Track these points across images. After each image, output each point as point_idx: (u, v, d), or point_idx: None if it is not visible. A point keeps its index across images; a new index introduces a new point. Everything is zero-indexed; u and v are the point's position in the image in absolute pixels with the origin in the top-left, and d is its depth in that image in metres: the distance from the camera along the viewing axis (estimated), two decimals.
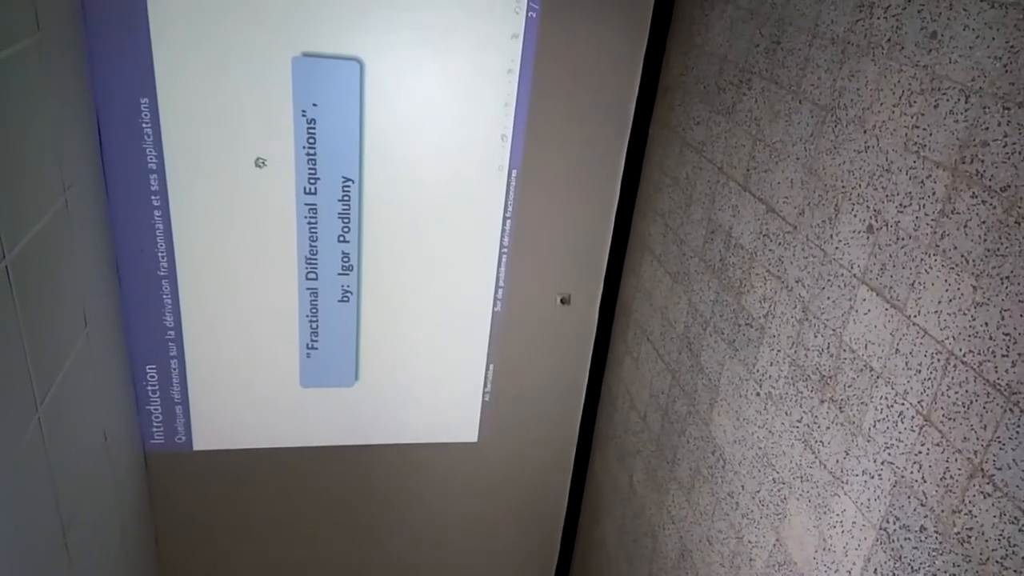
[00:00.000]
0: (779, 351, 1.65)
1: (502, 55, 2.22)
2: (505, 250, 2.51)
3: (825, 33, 1.50)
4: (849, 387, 1.41)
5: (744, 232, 1.81)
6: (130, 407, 2.43)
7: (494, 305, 2.60)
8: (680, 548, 2.15)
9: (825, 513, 1.48)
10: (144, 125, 2.11)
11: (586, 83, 2.30)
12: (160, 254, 2.28)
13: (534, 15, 2.18)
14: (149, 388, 2.48)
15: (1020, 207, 1.05)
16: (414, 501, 2.91)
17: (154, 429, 2.55)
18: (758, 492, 1.74)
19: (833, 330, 1.46)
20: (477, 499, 2.95)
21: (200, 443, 2.62)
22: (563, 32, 2.21)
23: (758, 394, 1.74)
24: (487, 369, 2.71)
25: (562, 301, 2.64)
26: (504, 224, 2.47)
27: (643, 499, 2.42)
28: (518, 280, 2.56)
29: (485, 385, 2.74)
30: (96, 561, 1.99)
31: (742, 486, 1.81)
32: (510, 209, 2.44)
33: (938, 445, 1.19)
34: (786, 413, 1.62)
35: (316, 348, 2.53)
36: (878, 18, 1.34)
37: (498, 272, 2.54)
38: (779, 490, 1.65)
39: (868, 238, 1.36)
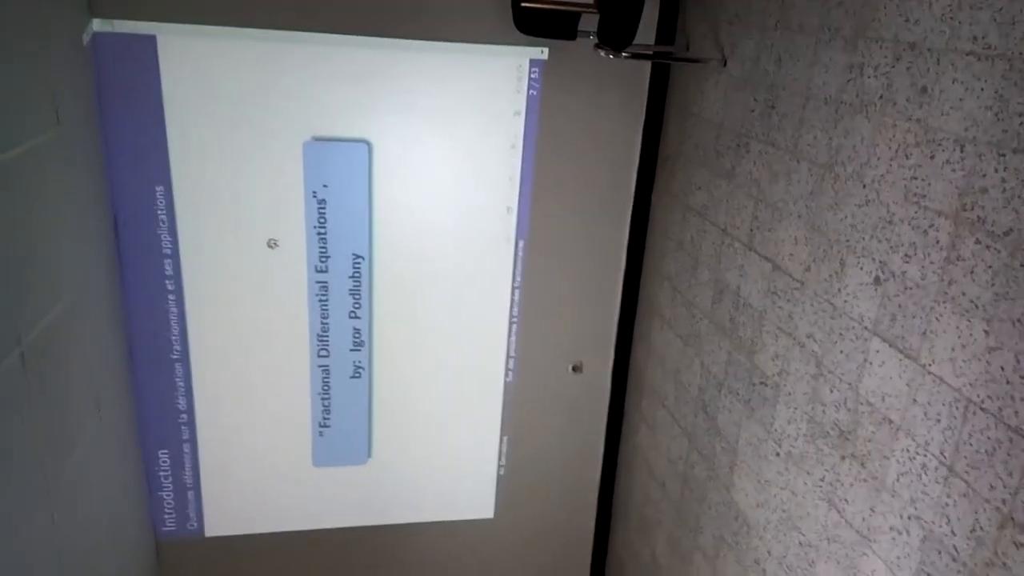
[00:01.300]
0: (796, 408, 1.63)
1: (505, 131, 2.29)
2: (515, 320, 2.52)
3: (818, 95, 1.54)
4: (869, 441, 1.39)
5: (752, 291, 1.82)
6: (142, 493, 2.40)
7: (506, 376, 2.59)
8: None
9: (855, 574, 1.43)
10: (159, 212, 2.16)
11: (588, 155, 2.36)
12: (173, 337, 2.30)
13: (535, 93, 2.26)
14: (161, 473, 2.46)
15: None
16: None
17: (166, 516, 2.51)
18: (784, 557, 1.69)
19: (849, 384, 1.45)
20: None
21: (212, 529, 2.57)
22: (564, 108, 2.28)
23: (778, 454, 1.71)
24: (501, 441, 2.68)
25: (574, 369, 2.63)
26: (513, 294, 2.49)
27: (666, 572, 2.35)
28: (529, 349, 2.57)
29: (500, 459, 2.70)
30: None
31: (768, 552, 1.76)
32: (518, 279, 2.47)
33: (965, 496, 1.16)
34: (808, 472, 1.59)
35: (328, 426, 2.52)
36: (868, 77, 1.39)
37: (509, 342, 2.55)
38: (806, 553, 1.60)
39: (876, 289, 1.37)
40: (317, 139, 2.18)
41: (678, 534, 2.27)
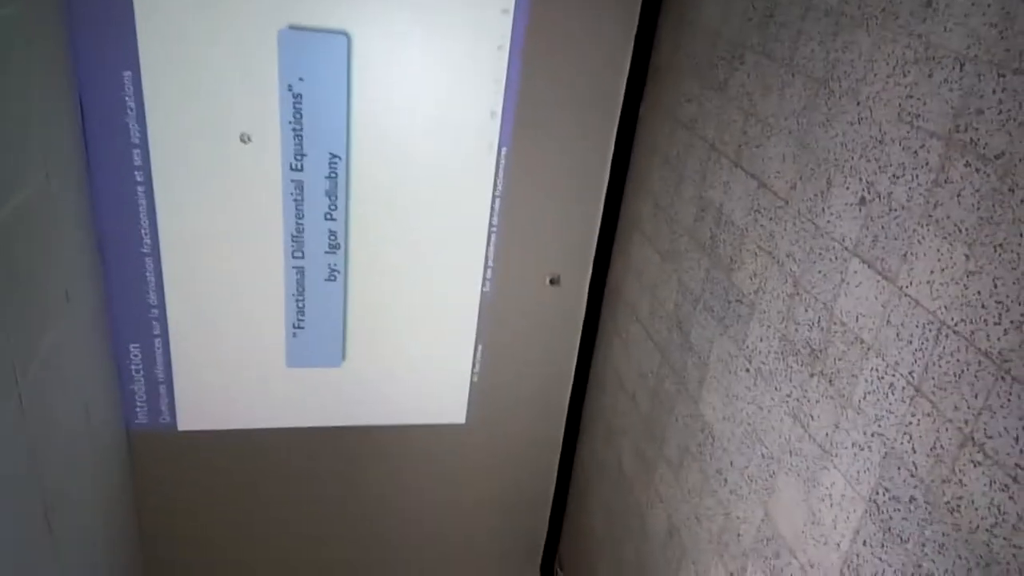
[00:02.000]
0: (769, 326, 1.65)
1: (492, 31, 2.19)
2: (494, 229, 2.49)
3: (819, 5, 1.48)
4: (839, 360, 1.41)
5: (735, 208, 1.80)
6: (113, 386, 2.40)
7: (483, 285, 2.58)
8: (668, 527, 2.15)
9: (814, 487, 1.48)
10: (127, 99, 2.07)
11: (577, 61, 2.28)
12: (143, 231, 2.25)
13: None
14: (132, 367, 2.45)
15: (1014, 174, 1.05)
16: (401, 483, 2.89)
17: (137, 408, 2.52)
18: (747, 468, 1.74)
19: (824, 304, 1.46)
20: (464, 481, 2.94)
21: (184, 423, 2.59)
22: (554, 8, 2.19)
23: (747, 370, 1.73)
24: (476, 350, 2.70)
25: (551, 282, 2.62)
26: (493, 203, 2.45)
27: (631, 479, 2.42)
28: (507, 260, 2.55)
29: (474, 366, 2.73)
30: (79, 539, 1.96)
31: (731, 462, 1.81)
32: (499, 188, 2.42)
33: (929, 415, 1.19)
34: (776, 388, 1.62)
35: (302, 328, 2.51)
36: None
37: (487, 252, 2.52)
38: (768, 465, 1.65)
39: (860, 210, 1.36)
40: (293, 28, 2.07)
41: (644, 444, 2.32)
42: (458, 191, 2.41)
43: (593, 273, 2.65)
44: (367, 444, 2.78)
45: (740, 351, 1.77)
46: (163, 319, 2.39)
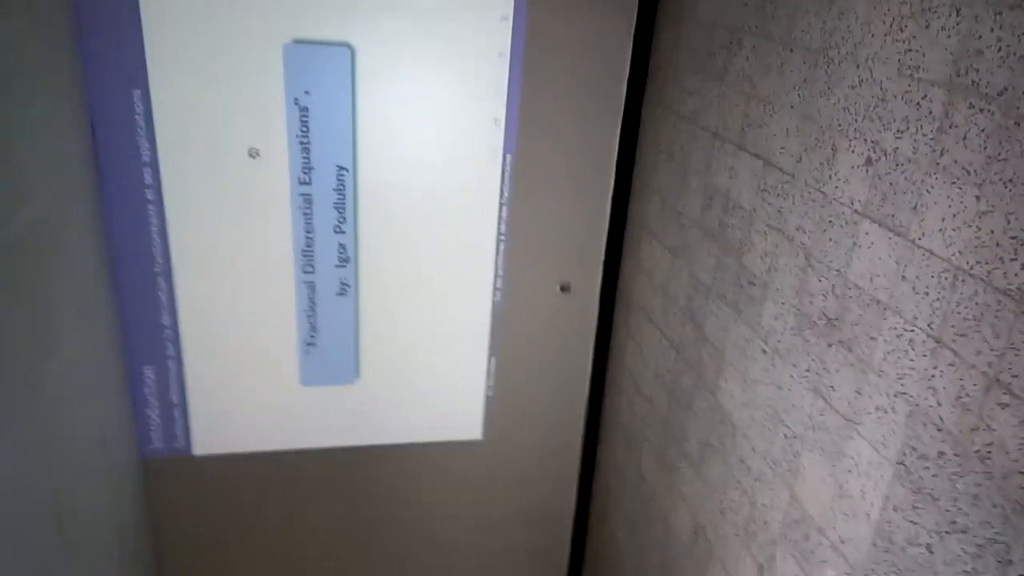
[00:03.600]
0: (783, 303, 1.63)
1: (492, 38, 2.23)
2: (503, 238, 2.50)
3: None
4: (856, 325, 1.39)
5: (742, 191, 1.80)
6: (127, 411, 2.39)
7: (493, 295, 2.58)
8: (692, 526, 2.10)
9: (840, 459, 1.45)
10: (137, 117, 2.11)
11: (577, 65, 2.31)
12: (155, 249, 2.27)
13: None
14: (146, 390, 2.44)
15: (1019, 107, 1.04)
16: (420, 502, 2.85)
17: (152, 434, 2.51)
18: (769, 452, 1.70)
19: (837, 271, 1.44)
20: (484, 498, 2.89)
21: (200, 448, 2.57)
22: (553, 13, 2.22)
23: (764, 351, 1.71)
24: (489, 362, 2.68)
25: (562, 289, 2.62)
26: (500, 211, 2.46)
27: (652, 485, 2.38)
28: (517, 268, 2.55)
29: (488, 379, 2.71)
30: (94, 564, 1.93)
31: (753, 449, 1.77)
32: (506, 195, 2.44)
33: (951, 365, 1.16)
34: (794, 365, 1.60)
35: (315, 344, 2.50)
36: None
37: (496, 260, 2.53)
38: (791, 445, 1.61)
39: (867, 171, 1.35)
40: (298, 42, 2.12)
41: (664, 446, 2.28)
42: (465, 200, 2.42)
43: (604, 279, 2.64)
44: (384, 463, 2.75)
45: (755, 334, 1.75)
46: (176, 340, 2.40)
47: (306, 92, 2.17)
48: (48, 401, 1.64)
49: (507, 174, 2.41)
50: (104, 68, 2.03)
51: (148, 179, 2.18)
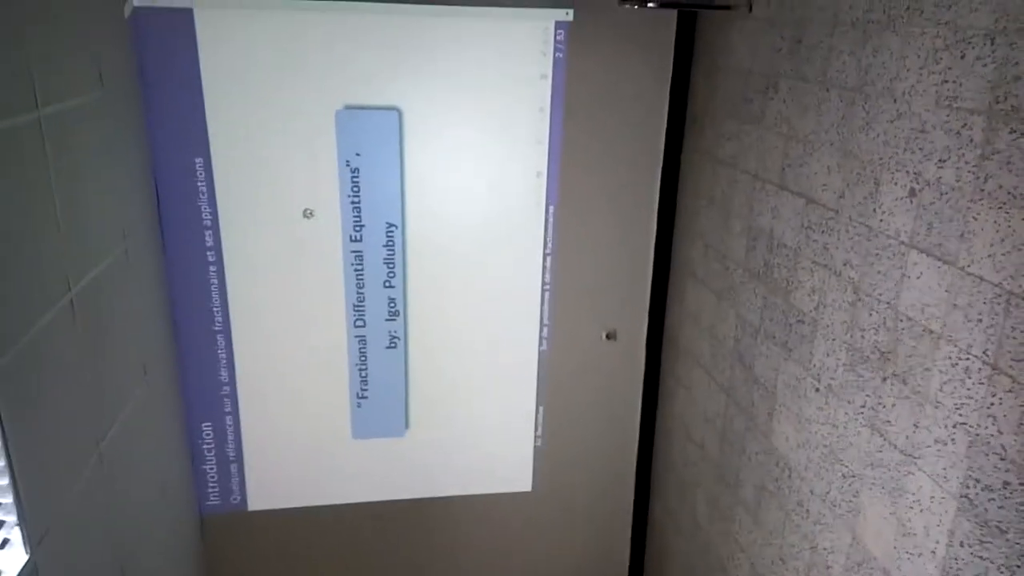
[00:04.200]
0: (834, 340, 1.62)
1: (533, 95, 2.32)
2: (548, 287, 2.53)
3: (845, 19, 1.54)
4: (910, 357, 1.38)
5: (785, 231, 1.81)
6: (187, 466, 2.45)
7: (540, 344, 2.60)
8: (752, 575, 2.04)
9: (900, 496, 1.41)
10: (199, 184, 2.23)
11: (616, 117, 2.38)
12: (215, 308, 2.36)
13: (561, 55, 2.28)
14: (205, 446, 2.50)
15: None
16: (470, 555, 2.82)
17: (210, 490, 2.56)
18: (828, 493, 1.67)
19: (887, 303, 1.44)
20: (535, 550, 2.86)
21: (255, 503, 2.61)
22: (590, 69, 2.31)
23: (817, 390, 1.70)
24: (537, 412, 2.68)
25: (608, 336, 2.63)
26: (545, 261, 2.50)
27: (708, 533, 2.33)
28: (563, 317, 2.57)
29: (536, 430, 2.71)
30: None
31: (811, 491, 1.74)
32: (550, 245, 2.48)
33: (1010, 391, 1.15)
34: (848, 402, 1.58)
35: (366, 397, 2.54)
36: None
37: (542, 310, 2.56)
38: (850, 484, 1.58)
39: (912, 202, 1.36)
40: (349, 107, 2.23)
41: (717, 492, 2.25)
42: (510, 252, 2.48)
43: (650, 324, 2.65)
44: (434, 516, 2.74)
45: (807, 372, 1.74)
46: (234, 396, 2.46)
47: (357, 154, 2.27)
48: (116, 440, 1.70)
49: (551, 224, 2.46)
50: (168, 138, 2.16)
51: (209, 241, 2.28)
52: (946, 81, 1.27)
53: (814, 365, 1.71)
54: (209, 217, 2.27)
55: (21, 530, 1.28)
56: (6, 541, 1.27)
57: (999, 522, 1.18)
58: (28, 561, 1.28)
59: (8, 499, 1.25)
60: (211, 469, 2.54)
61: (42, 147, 1.40)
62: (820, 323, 1.68)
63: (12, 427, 1.23)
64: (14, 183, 1.30)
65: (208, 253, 2.30)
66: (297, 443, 2.56)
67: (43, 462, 1.35)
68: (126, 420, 1.79)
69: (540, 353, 2.61)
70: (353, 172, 2.30)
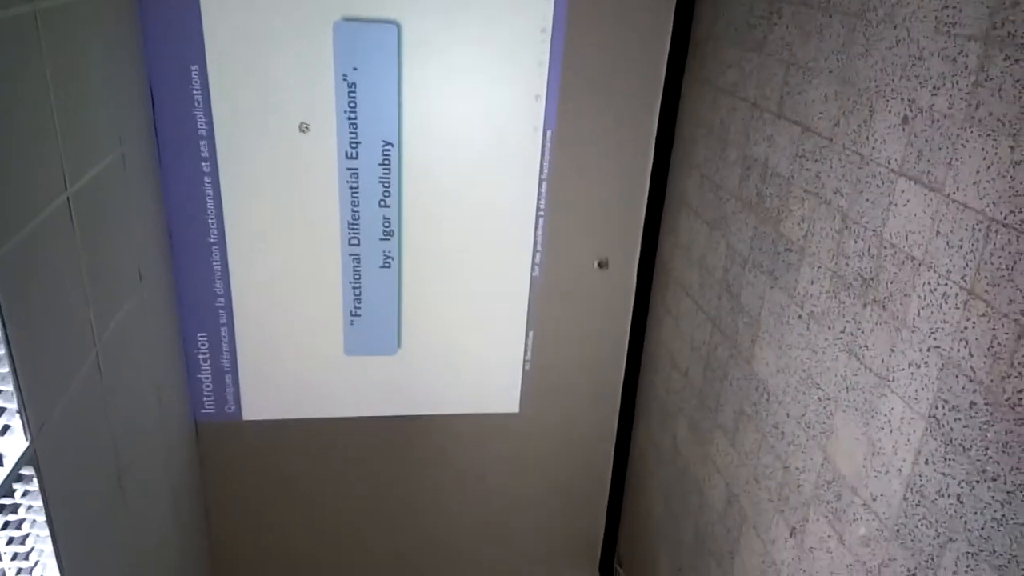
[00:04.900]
0: (820, 267, 1.65)
1: (535, 14, 2.28)
2: (542, 213, 2.54)
3: None
4: (891, 283, 1.41)
5: (780, 159, 1.82)
6: (181, 375, 2.50)
7: (532, 270, 2.63)
8: (726, 496, 2.12)
9: (872, 417, 1.47)
10: (195, 92, 2.21)
11: (618, 41, 2.35)
12: (210, 221, 2.37)
13: None
14: (200, 356, 2.55)
15: None
16: (457, 472, 2.92)
17: (204, 399, 2.62)
18: (803, 415, 1.72)
19: (873, 231, 1.46)
20: (520, 470, 2.95)
21: (249, 413, 2.68)
22: None
23: (800, 316, 1.73)
24: (527, 336, 2.73)
25: (600, 265, 2.65)
26: (540, 186, 2.50)
27: (687, 457, 2.41)
28: (555, 244, 2.59)
29: (525, 353, 2.76)
30: (148, 511, 2.04)
31: (787, 414, 1.79)
32: (545, 171, 2.48)
33: (984, 315, 1.18)
34: (828, 328, 1.62)
35: (359, 315, 2.58)
36: None
37: (535, 236, 2.58)
38: (825, 407, 1.63)
39: (904, 129, 1.37)
40: (347, 19, 2.19)
41: (699, 417, 2.31)
42: (506, 176, 2.48)
43: (642, 255, 2.67)
44: (423, 433, 2.82)
45: (791, 299, 1.77)
46: (229, 308, 2.50)
47: (354, 68, 2.25)
48: (111, 342, 1.74)
49: (547, 150, 2.46)
50: (164, 44, 2.13)
51: (204, 152, 2.27)
52: (947, 7, 1.26)
53: (799, 292, 1.74)
54: (204, 127, 2.25)
55: (21, 418, 1.32)
56: (7, 427, 1.31)
57: (963, 440, 1.23)
58: (28, 447, 1.33)
59: (8, 387, 1.29)
60: (206, 378, 2.59)
61: (38, 41, 1.39)
62: (807, 251, 1.70)
63: (12, 317, 1.26)
64: (13, 73, 1.30)
65: (203, 164, 2.30)
66: (291, 357, 2.61)
67: (42, 354, 1.38)
68: (122, 322, 1.83)
69: (532, 279, 2.64)
70: (350, 87, 2.28)
